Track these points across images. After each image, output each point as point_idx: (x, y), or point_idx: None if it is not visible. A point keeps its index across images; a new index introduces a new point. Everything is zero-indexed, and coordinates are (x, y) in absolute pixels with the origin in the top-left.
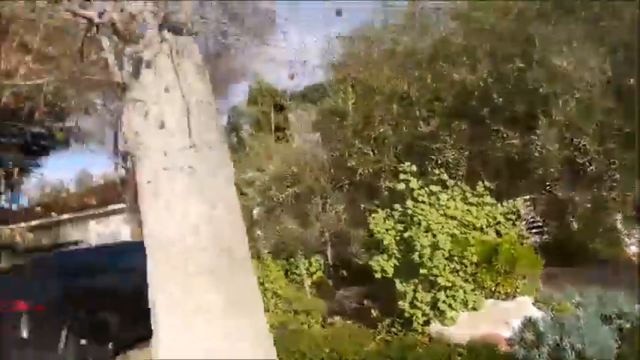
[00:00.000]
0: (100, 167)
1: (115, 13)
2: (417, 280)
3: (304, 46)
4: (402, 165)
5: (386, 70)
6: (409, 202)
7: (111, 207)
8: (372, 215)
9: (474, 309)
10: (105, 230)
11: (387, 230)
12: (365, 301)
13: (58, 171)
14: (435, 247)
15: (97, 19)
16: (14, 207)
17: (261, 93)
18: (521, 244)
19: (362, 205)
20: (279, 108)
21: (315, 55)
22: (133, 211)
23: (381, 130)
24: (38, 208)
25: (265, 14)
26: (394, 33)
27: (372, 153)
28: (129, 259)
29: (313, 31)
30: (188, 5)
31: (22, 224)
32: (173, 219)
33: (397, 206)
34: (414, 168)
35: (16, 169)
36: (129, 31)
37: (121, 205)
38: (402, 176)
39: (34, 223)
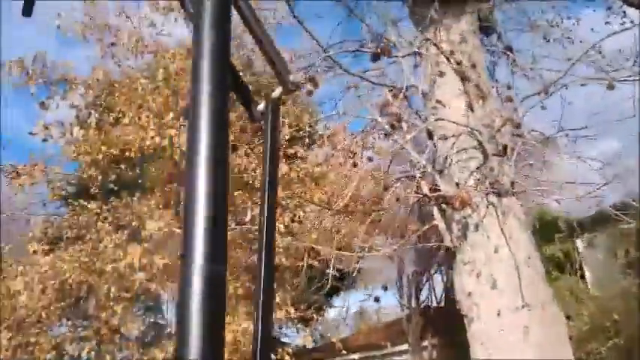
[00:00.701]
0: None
1: (445, 184)
2: None
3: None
4: None
5: None
6: None
7: (397, 348)
8: None
9: None
10: None
11: None
12: None
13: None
14: None
15: (429, 194)
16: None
17: (546, 226)
18: None
19: None
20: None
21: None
22: (415, 352)
23: None
24: (338, 345)
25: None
26: None
27: None
28: None
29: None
30: (510, 170)
31: None
32: None
33: None
34: None
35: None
36: (460, 200)
37: (405, 346)
38: None
39: None
